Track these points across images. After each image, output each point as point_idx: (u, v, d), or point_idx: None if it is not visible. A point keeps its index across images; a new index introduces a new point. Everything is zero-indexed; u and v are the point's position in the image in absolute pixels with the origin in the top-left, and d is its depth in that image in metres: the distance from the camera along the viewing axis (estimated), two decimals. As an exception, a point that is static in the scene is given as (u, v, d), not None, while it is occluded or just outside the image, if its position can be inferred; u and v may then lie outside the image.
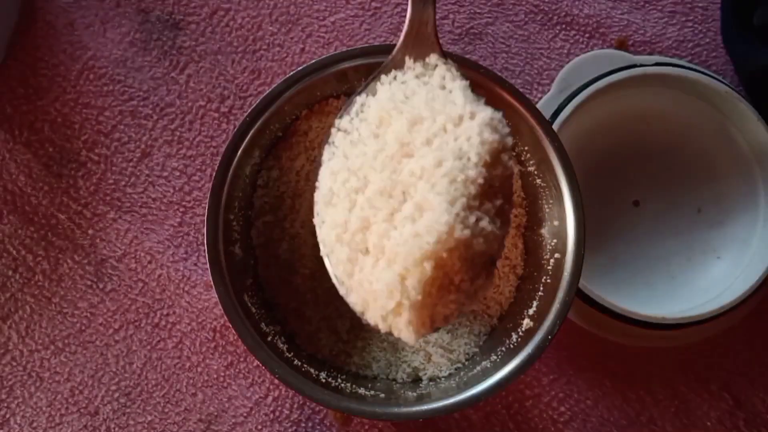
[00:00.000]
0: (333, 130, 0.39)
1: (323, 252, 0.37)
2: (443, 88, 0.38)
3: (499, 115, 0.36)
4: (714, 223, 0.53)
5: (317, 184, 0.38)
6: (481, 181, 0.34)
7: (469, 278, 0.35)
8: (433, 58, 0.39)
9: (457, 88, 0.37)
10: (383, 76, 0.39)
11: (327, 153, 0.38)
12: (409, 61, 0.39)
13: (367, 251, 0.35)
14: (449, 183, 0.33)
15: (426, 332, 0.35)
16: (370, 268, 0.35)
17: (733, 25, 0.54)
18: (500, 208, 0.36)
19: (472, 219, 0.34)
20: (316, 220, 0.38)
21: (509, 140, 0.36)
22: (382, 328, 0.35)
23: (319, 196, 0.38)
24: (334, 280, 0.37)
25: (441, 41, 0.54)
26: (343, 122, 0.39)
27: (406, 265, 0.33)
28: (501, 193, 0.36)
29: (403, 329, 0.34)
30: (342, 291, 0.37)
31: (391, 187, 0.35)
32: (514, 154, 0.36)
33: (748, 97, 0.52)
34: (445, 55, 0.39)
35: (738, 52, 0.54)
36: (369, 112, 0.38)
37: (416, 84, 0.38)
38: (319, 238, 0.37)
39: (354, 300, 0.36)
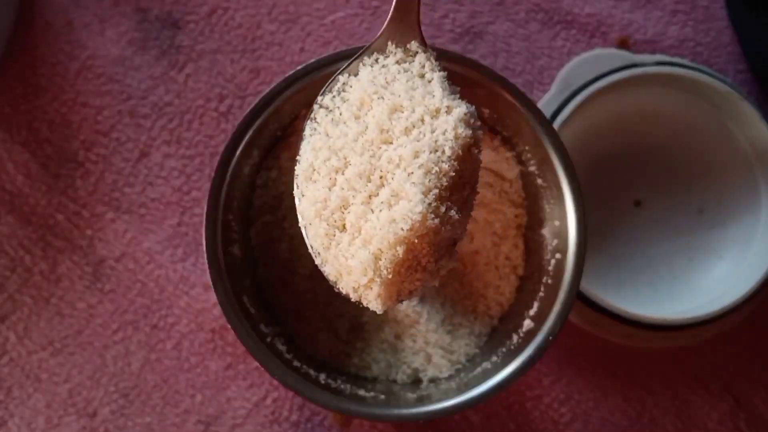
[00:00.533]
0: (315, 107, 0.40)
1: (301, 223, 0.39)
2: (422, 76, 0.39)
3: (472, 109, 0.38)
4: (715, 223, 0.53)
5: (298, 157, 0.39)
6: (453, 173, 0.36)
7: (435, 260, 0.37)
8: (413, 45, 0.40)
9: (436, 79, 0.39)
10: (365, 58, 0.40)
11: (308, 129, 0.39)
12: (391, 46, 0.40)
13: (344, 228, 0.37)
14: (424, 174, 0.36)
15: (392, 305, 0.38)
16: (347, 244, 0.37)
17: (744, 8, 0.53)
18: (466, 197, 0.38)
19: (442, 209, 0.36)
20: (295, 192, 0.39)
21: (480, 134, 0.38)
22: (353, 297, 0.38)
23: (299, 170, 0.39)
24: (311, 251, 0.39)
25: (441, 40, 0.55)
26: (325, 100, 0.40)
27: (380, 246, 0.35)
28: (468, 183, 0.38)
29: (372, 301, 0.37)
30: (317, 261, 0.39)
31: (369, 171, 0.37)
32: (481, 149, 0.39)
33: (758, 82, 0.51)
34: (425, 44, 0.40)
35: (749, 35, 0.53)
36: (351, 93, 0.39)
37: (396, 70, 0.39)
38: (298, 210, 0.39)
39: (328, 270, 0.38)
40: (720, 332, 0.51)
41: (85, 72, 0.54)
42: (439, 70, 0.39)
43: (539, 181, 0.46)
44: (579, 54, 0.54)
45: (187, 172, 0.54)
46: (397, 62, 0.40)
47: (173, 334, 0.52)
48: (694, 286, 0.52)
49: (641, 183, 0.53)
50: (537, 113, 0.44)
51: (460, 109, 0.37)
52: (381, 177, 0.36)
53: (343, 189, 0.37)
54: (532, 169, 0.46)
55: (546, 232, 0.46)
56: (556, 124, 0.50)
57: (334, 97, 0.39)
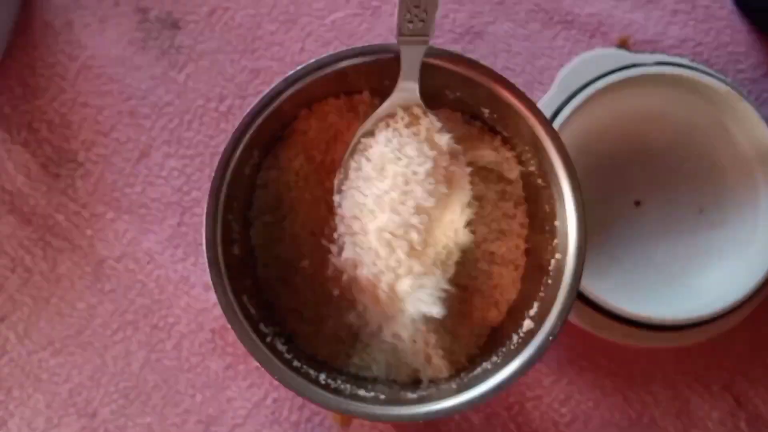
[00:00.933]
0: (345, 165, 0.45)
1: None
2: (427, 140, 0.44)
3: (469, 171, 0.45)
4: (715, 223, 0.53)
5: (338, 207, 0.45)
6: None
7: None
8: (417, 110, 0.45)
9: (444, 142, 0.44)
10: (379, 123, 0.45)
11: (344, 183, 0.45)
12: (399, 111, 0.45)
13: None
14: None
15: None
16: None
17: None
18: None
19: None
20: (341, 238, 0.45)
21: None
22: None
23: (342, 226, 0.44)
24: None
25: (441, 40, 0.55)
26: (353, 159, 0.45)
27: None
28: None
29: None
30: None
31: (394, 227, 0.43)
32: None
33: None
34: (425, 110, 0.45)
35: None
36: (372, 154, 0.44)
37: (407, 133, 0.44)
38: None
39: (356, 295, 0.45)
40: (720, 332, 0.51)
41: (85, 72, 0.54)
42: (446, 132, 0.44)
43: (539, 181, 0.46)
44: (579, 54, 0.54)
45: (187, 172, 0.54)
46: (406, 126, 0.44)
47: (173, 334, 0.52)
48: (694, 286, 0.52)
49: (641, 183, 0.53)
50: (537, 113, 0.44)
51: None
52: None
53: (372, 245, 0.43)
54: (532, 169, 0.46)
55: (546, 232, 0.46)
56: (556, 124, 0.50)
57: (359, 156, 0.44)
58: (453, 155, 0.44)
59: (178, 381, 0.52)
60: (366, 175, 0.44)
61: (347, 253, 0.44)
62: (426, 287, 0.43)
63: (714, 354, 0.53)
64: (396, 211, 0.43)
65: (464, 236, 0.44)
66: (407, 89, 0.44)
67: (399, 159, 0.43)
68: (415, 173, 0.43)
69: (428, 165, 0.43)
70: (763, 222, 0.51)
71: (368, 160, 0.44)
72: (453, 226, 0.44)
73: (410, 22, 0.43)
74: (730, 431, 0.53)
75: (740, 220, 0.52)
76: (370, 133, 0.45)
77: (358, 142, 0.45)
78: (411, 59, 0.44)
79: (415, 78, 0.44)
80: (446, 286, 0.44)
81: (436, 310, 0.43)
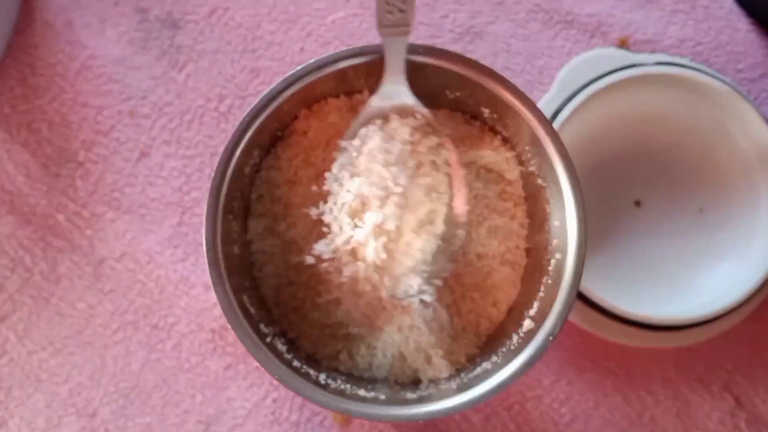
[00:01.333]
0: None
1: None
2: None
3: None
4: (715, 224, 0.53)
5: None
6: None
7: None
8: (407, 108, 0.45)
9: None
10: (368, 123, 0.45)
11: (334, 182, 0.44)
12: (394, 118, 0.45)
13: None
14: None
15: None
16: None
17: None
18: None
19: None
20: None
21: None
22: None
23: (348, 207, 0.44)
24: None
25: (441, 40, 0.55)
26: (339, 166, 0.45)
27: None
28: None
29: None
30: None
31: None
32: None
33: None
34: (416, 107, 0.45)
35: None
36: (358, 159, 0.44)
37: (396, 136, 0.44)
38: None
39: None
40: (720, 332, 0.51)
41: (85, 72, 0.54)
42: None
43: (539, 181, 0.46)
44: (579, 54, 0.54)
45: (187, 172, 0.54)
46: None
47: (173, 334, 0.52)
48: (694, 286, 0.52)
49: (641, 183, 0.53)
50: (537, 113, 0.44)
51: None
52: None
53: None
54: (532, 169, 0.46)
55: (546, 232, 0.46)
56: (556, 124, 0.50)
57: (346, 158, 0.44)
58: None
59: (177, 381, 0.52)
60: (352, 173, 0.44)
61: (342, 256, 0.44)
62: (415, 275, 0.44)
63: (714, 354, 0.53)
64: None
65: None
66: (395, 83, 0.44)
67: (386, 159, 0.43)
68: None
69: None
70: (763, 222, 0.51)
71: (353, 164, 0.44)
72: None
73: (389, 12, 0.43)
74: (730, 431, 0.53)
75: (740, 220, 0.52)
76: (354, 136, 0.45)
77: (344, 146, 0.45)
78: (394, 51, 0.44)
79: (402, 71, 0.44)
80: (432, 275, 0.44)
81: (428, 295, 0.44)
